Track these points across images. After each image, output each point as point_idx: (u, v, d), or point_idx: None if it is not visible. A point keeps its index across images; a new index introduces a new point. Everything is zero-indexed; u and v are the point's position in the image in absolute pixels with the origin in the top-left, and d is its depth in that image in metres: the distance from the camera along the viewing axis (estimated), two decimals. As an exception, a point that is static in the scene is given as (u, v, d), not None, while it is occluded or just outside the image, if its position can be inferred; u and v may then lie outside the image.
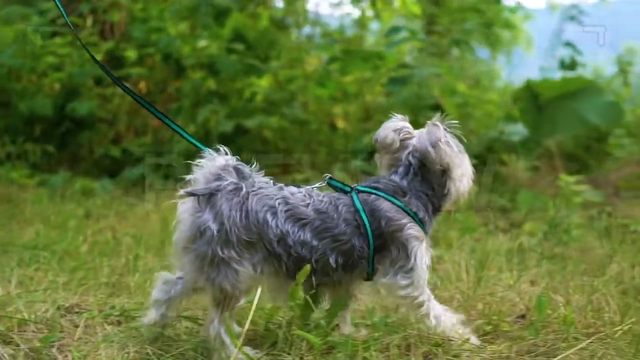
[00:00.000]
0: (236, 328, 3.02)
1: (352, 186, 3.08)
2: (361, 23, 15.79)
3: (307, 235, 2.91)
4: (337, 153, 8.73)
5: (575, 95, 7.72)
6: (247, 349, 2.93)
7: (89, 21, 9.35)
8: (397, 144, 3.09)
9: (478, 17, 13.39)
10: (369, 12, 9.86)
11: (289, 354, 2.92)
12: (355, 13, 16.35)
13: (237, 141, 8.50)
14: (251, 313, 2.91)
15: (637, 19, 10.15)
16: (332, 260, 2.92)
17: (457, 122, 3.12)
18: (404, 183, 3.04)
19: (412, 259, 2.96)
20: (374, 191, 3.02)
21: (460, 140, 3.13)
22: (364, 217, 2.95)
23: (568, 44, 12.65)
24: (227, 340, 2.90)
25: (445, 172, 3.05)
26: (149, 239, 5.26)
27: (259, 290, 2.92)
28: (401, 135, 3.10)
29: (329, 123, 9.62)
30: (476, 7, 13.18)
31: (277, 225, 2.88)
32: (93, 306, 3.62)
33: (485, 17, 13.51)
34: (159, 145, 8.54)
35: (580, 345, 2.88)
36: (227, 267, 2.85)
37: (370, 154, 8.31)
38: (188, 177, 2.97)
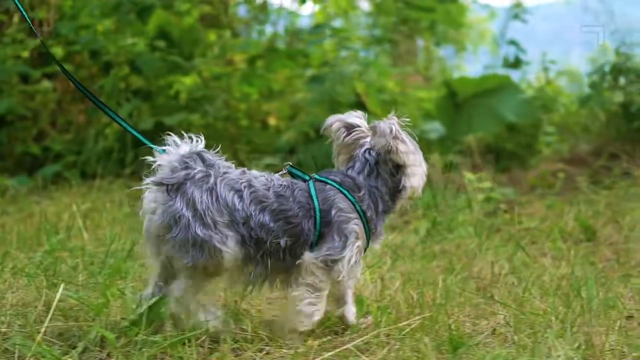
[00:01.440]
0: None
1: (311, 175, 3.17)
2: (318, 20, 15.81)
3: (265, 218, 2.98)
4: (263, 150, 8.73)
5: (491, 93, 7.75)
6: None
7: (16, 18, 9.24)
8: (342, 136, 3.18)
9: (425, 15, 13.37)
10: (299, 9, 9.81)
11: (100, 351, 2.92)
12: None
13: (160, 138, 8.45)
14: (52, 309, 2.91)
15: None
16: (282, 242, 2.99)
17: (408, 119, 3.19)
18: (360, 179, 3.12)
19: (344, 252, 3.04)
20: (330, 182, 3.11)
21: (414, 137, 3.20)
22: (316, 201, 3.04)
23: (512, 42, 12.70)
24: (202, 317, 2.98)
25: (400, 169, 3.12)
26: (32, 236, 5.22)
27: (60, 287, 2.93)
28: (354, 134, 3.18)
29: (261, 121, 9.62)
30: (420, 5, 13.17)
31: (242, 208, 2.96)
32: None
33: (431, 15, 13.48)
34: (81, 143, 8.47)
35: (362, 339, 2.89)
36: (209, 246, 2.90)
37: (290, 151, 8.34)
38: (153, 165, 3.04)
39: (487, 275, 4.28)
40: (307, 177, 3.15)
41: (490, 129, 7.99)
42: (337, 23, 14.92)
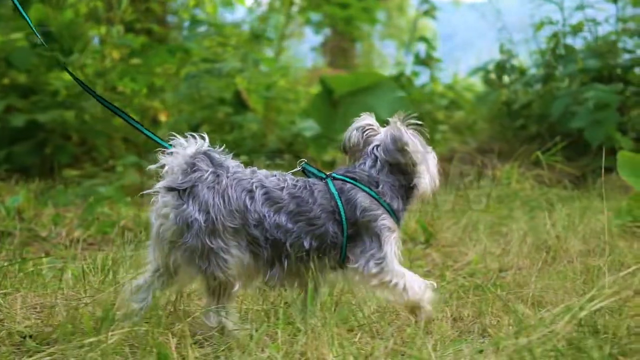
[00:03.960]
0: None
1: (327, 173, 3.16)
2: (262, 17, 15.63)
3: (282, 219, 2.97)
4: (150, 148, 8.55)
5: (367, 90, 7.65)
6: None
7: None
8: (362, 143, 3.21)
9: (339, 11, 13.28)
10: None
11: None
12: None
13: (36, 136, 8.26)
14: None
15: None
16: (306, 244, 2.98)
17: (420, 122, 3.27)
18: (374, 173, 3.12)
19: (384, 249, 3.05)
20: (350, 180, 3.09)
21: (424, 137, 3.26)
22: (340, 204, 3.02)
23: (422, 39, 12.64)
24: (229, 324, 2.98)
25: (410, 168, 3.16)
26: None
27: None
28: (365, 133, 3.22)
29: (151, 117, 9.43)
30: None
31: (255, 209, 2.95)
32: None
33: (346, 11, 13.41)
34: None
35: None
36: (216, 256, 2.90)
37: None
38: (160, 167, 3.02)
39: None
40: (323, 176, 3.14)
41: (366, 127, 7.86)
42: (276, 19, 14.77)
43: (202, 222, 2.88)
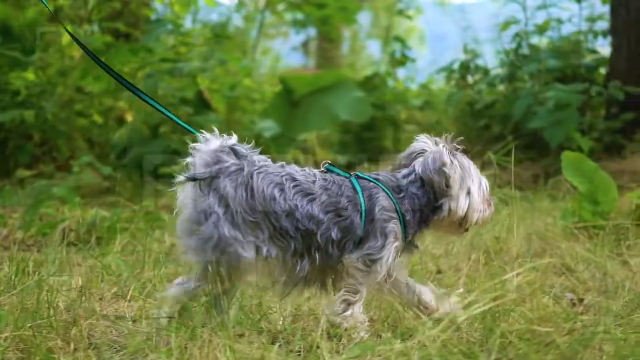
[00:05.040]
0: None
1: (352, 173, 3.19)
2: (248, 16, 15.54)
3: (314, 209, 2.99)
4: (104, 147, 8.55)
5: (327, 91, 7.61)
6: None
7: None
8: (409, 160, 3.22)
9: (315, 11, 13.22)
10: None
11: None
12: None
13: (-3, 135, 8.23)
14: None
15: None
16: (333, 234, 3.01)
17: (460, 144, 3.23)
18: (403, 182, 3.15)
19: (383, 253, 3.06)
20: (373, 180, 3.13)
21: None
22: (361, 197, 3.06)
23: (397, 39, 12.60)
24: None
25: (442, 188, 3.14)
26: None
27: None
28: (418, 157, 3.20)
29: (117, 117, 9.36)
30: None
31: (285, 200, 2.96)
32: None
33: (323, 11, 13.34)
34: None
35: None
36: (231, 250, 2.91)
37: (123, 150, 8.11)
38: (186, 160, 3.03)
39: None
40: (347, 175, 3.16)
41: (326, 128, 7.86)
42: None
43: (221, 214, 2.90)
